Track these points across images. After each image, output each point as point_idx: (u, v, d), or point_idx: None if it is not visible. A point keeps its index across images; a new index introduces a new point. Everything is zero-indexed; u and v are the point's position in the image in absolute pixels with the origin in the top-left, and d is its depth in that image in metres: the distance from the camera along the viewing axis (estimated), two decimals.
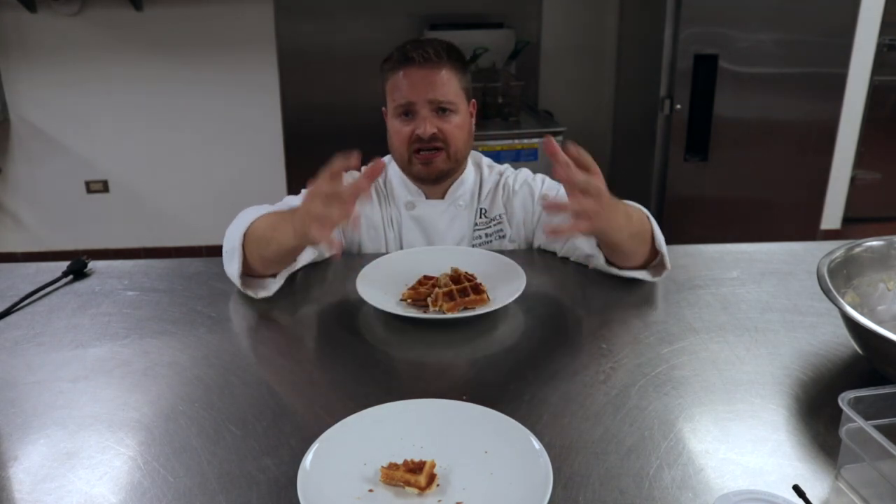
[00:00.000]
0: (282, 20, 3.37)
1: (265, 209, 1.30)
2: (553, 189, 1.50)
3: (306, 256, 1.35)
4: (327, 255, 1.36)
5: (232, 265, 1.23)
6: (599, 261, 1.30)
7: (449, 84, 1.42)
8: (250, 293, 1.25)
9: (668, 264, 1.28)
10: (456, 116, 1.44)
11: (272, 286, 1.26)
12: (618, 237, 1.19)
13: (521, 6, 3.54)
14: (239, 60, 3.62)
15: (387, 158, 1.57)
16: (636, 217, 1.24)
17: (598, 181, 1.07)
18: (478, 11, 3.49)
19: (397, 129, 1.45)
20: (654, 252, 1.28)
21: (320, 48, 3.42)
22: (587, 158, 1.07)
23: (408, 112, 1.43)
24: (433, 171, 1.46)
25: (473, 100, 1.51)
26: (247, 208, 1.33)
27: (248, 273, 1.25)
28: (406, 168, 1.48)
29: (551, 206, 1.13)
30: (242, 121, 3.74)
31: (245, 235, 1.22)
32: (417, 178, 1.49)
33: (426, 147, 1.43)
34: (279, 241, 1.17)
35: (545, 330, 1.18)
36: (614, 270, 1.30)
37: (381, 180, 1.55)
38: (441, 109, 1.42)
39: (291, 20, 3.37)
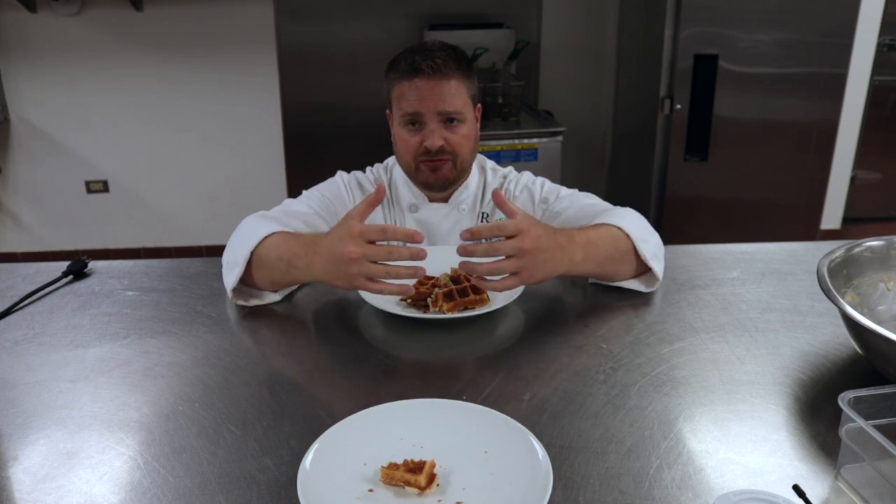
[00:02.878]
0: (282, 20, 3.37)
1: (270, 220, 1.27)
2: (553, 193, 1.50)
3: None
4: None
5: (229, 276, 1.21)
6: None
7: (458, 95, 1.40)
8: (241, 302, 1.23)
9: (659, 276, 1.25)
10: (464, 126, 1.43)
11: (268, 297, 1.24)
12: (579, 271, 1.20)
13: (521, 6, 3.54)
14: (239, 60, 3.62)
15: (391, 160, 1.57)
16: (605, 243, 1.21)
17: (519, 241, 1.08)
18: (478, 11, 3.49)
19: (404, 139, 1.44)
20: (643, 263, 1.26)
21: (320, 48, 3.41)
22: (500, 226, 1.09)
23: (415, 122, 1.42)
24: (440, 178, 1.45)
25: (479, 104, 1.50)
26: (249, 217, 1.31)
27: (246, 284, 1.24)
28: (412, 176, 1.48)
29: (467, 267, 1.12)
30: (242, 121, 3.74)
31: (253, 254, 1.19)
32: (424, 186, 1.49)
33: (433, 158, 1.42)
34: (299, 275, 1.17)
35: (545, 330, 1.18)
36: (605, 282, 1.29)
37: (385, 182, 1.54)
38: (449, 120, 1.41)
39: (291, 20, 3.37)
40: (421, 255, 1.07)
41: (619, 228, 1.23)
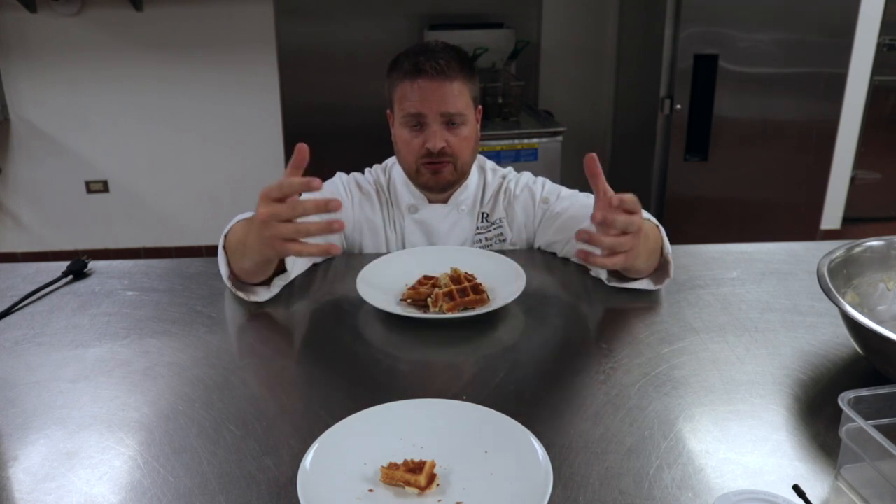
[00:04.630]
0: (282, 20, 3.37)
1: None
2: (554, 193, 1.49)
3: (300, 265, 1.33)
4: (325, 257, 1.23)
5: (221, 269, 1.24)
6: (601, 275, 1.29)
7: (460, 96, 1.40)
8: (241, 295, 1.24)
9: (672, 272, 1.25)
10: (465, 128, 1.43)
11: (263, 294, 1.24)
12: (639, 263, 1.19)
13: (521, 6, 3.54)
14: (239, 60, 3.62)
15: (390, 161, 1.57)
16: (652, 235, 1.21)
17: (639, 220, 1.03)
18: (478, 11, 3.48)
19: (406, 140, 1.44)
20: (657, 260, 1.26)
21: (320, 48, 3.41)
22: (631, 199, 1.02)
23: (417, 122, 1.41)
24: (441, 181, 1.45)
25: (480, 106, 1.50)
26: (241, 214, 1.32)
27: (237, 278, 1.24)
28: (413, 177, 1.48)
29: (585, 237, 1.01)
30: (242, 121, 3.74)
31: (225, 239, 1.22)
32: (424, 188, 1.48)
33: (435, 160, 1.42)
34: (251, 255, 1.14)
35: (545, 330, 1.18)
36: (615, 284, 1.28)
37: (384, 183, 1.54)
38: (451, 121, 1.41)
39: (291, 20, 3.37)
40: (332, 206, 0.99)
41: (648, 221, 1.24)
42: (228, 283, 1.23)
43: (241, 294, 1.24)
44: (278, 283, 1.26)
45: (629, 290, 1.27)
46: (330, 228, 1.01)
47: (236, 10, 3.54)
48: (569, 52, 3.80)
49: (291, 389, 1.01)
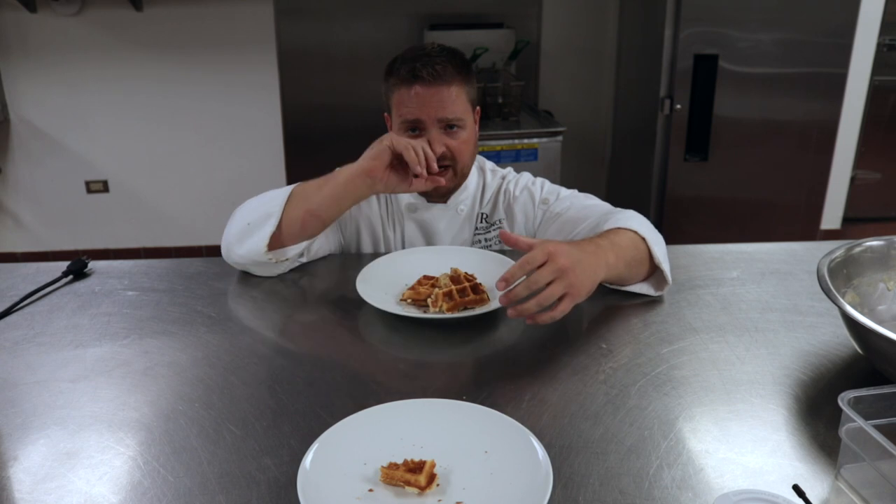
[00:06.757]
0: (282, 20, 3.37)
1: (270, 194, 1.36)
2: (553, 193, 1.49)
3: (317, 246, 1.40)
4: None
5: (262, 231, 1.28)
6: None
7: (458, 101, 1.40)
8: (272, 258, 1.30)
9: (670, 280, 1.25)
10: (464, 132, 1.42)
11: (291, 251, 1.32)
12: (614, 273, 1.18)
13: (521, 6, 3.54)
14: (239, 60, 3.62)
15: None
16: (628, 245, 1.20)
17: (554, 263, 1.03)
18: (478, 11, 3.49)
19: None
20: (655, 265, 1.25)
21: (320, 48, 3.42)
22: (534, 255, 1.04)
23: (415, 128, 1.41)
24: (440, 189, 1.45)
25: (478, 106, 1.50)
26: (246, 201, 1.36)
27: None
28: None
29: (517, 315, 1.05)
30: (242, 121, 3.74)
31: (289, 198, 1.30)
32: (423, 194, 1.48)
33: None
34: (335, 183, 1.30)
35: (545, 330, 1.18)
36: (615, 286, 1.28)
37: None
38: (449, 126, 1.40)
39: (291, 20, 3.38)
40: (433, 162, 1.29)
41: (634, 232, 1.23)
42: (264, 249, 1.28)
43: (272, 257, 1.30)
44: (295, 258, 1.35)
45: (628, 292, 1.27)
46: (432, 169, 1.29)
47: (236, 10, 3.54)
48: (569, 52, 3.80)
49: (291, 389, 1.01)
